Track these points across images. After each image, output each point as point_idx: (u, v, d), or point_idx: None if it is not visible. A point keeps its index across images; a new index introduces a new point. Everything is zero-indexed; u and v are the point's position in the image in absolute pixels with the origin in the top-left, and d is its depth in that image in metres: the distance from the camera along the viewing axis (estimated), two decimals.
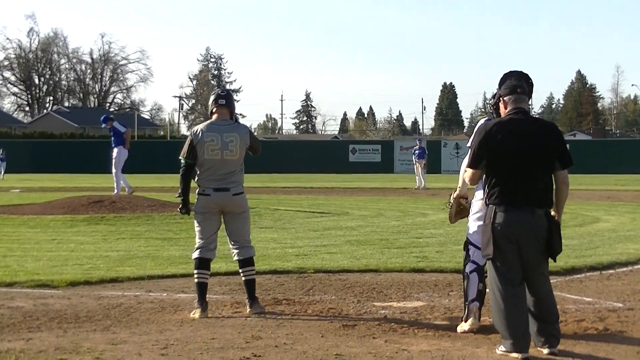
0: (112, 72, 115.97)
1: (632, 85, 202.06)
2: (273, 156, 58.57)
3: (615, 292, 9.13)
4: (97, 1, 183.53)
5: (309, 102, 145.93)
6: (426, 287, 9.52)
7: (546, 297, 6.17)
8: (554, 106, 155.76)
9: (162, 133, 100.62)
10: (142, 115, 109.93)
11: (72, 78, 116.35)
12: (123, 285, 9.63)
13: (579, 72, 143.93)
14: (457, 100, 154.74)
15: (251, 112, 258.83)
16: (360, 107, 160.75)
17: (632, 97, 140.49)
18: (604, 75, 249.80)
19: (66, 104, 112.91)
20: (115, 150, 21.01)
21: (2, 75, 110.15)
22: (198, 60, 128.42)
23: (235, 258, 8.07)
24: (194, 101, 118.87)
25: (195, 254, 7.99)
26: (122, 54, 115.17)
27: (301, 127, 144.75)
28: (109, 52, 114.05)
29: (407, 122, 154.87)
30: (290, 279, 10.04)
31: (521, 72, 6.68)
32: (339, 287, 9.45)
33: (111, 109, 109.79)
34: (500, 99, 6.43)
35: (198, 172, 7.95)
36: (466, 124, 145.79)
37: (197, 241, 8.02)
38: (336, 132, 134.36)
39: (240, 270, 8.05)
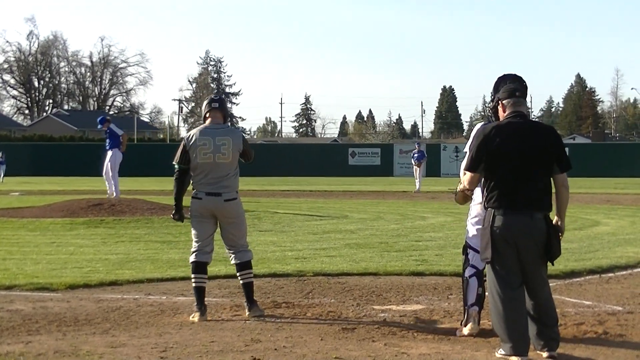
0: (112, 75, 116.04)
1: (632, 88, 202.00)
2: (272, 159, 58.60)
3: (615, 296, 9.13)
4: (96, 4, 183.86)
5: (308, 106, 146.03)
6: (425, 290, 9.51)
7: (545, 300, 6.17)
8: (553, 109, 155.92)
9: (161, 136, 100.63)
10: (142, 118, 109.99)
11: (71, 81, 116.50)
12: (122, 288, 9.63)
13: (578, 75, 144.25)
14: (457, 103, 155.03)
15: (251, 115, 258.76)
16: (359, 111, 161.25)
17: (631, 100, 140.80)
18: (604, 78, 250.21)
19: (66, 107, 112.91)
20: (110, 152, 20.89)
21: (2, 79, 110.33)
22: (198, 63, 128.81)
23: (232, 262, 8.09)
24: (193, 104, 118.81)
25: (192, 258, 8.01)
26: (121, 57, 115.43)
27: (301, 130, 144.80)
28: (108, 55, 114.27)
29: (407, 126, 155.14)
30: (290, 282, 10.04)
31: (515, 75, 6.77)
32: (339, 291, 9.45)
33: (111, 112, 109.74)
34: (499, 102, 6.44)
35: (192, 176, 7.98)
36: (466, 127, 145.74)
37: (193, 244, 8.04)
38: (336, 136, 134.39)
39: (237, 274, 8.07)
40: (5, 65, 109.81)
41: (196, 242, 8.00)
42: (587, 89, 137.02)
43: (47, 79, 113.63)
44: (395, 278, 10.37)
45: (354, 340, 6.87)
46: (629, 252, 12.80)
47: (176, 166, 7.99)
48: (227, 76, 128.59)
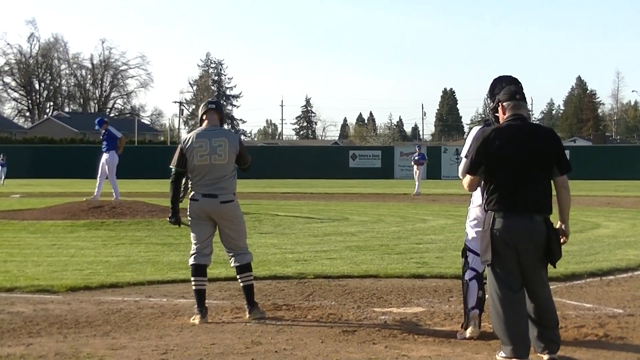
0: (113, 78, 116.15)
1: (633, 91, 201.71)
2: (273, 162, 58.68)
3: (616, 298, 9.13)
4: (97, 7, 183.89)
5: (309, 108, 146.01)
6: (426, 293, 9.52)
7: (545, 302, 6.17)
8: (554, 112, 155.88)
9: (162, 138, 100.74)
10: (143, 120, 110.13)
11: (72, 83, 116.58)
12: (123, 291, 9.64)
13: (579, 78, 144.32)
14: (458, 106, 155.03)
15: (251, 117, 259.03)
16: (360, 113, 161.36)
17: (632, 103, 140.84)
18: (604, 81, 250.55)
19: (66, 109, 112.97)
20: (107, 154, 20.75)
21: (3, 81, 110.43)
22: (198, 65, 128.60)
23: (232, 265, 8.11)
24: (194, 107, 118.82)
25: (191, 260, 8.02)
26: (122, 59, 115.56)
27: (301, 132, 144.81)
28: (109, 57, 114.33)
29: (408, 128, 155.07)
30: (290, 285, 10.04)
31: (511, 76, 6.84)
32: (339, 293, 9.45)
33: (111, 115, 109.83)
34: (500, 104, 6.45)
35: (190, 178, 7.99)
36: (466, 129, 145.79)
37: (192, 246, 8.06)
38: (336, 138, 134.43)
39: (237, 276, 8.08)
40: (6, 68, 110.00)
41: (195, 244, 8.02)
42: (587, 92, 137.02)
43: (47, 82, 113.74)
44: (396, 280, 10.38)
45: (354, 342, 6.87)
46: (630, 255, 12.80)
47: (173, 169, 8.01)
48: (228, 78, 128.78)
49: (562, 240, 6.18)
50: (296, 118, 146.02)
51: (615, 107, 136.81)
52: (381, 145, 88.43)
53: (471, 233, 7.17)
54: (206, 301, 7.95)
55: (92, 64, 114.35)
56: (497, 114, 6.56)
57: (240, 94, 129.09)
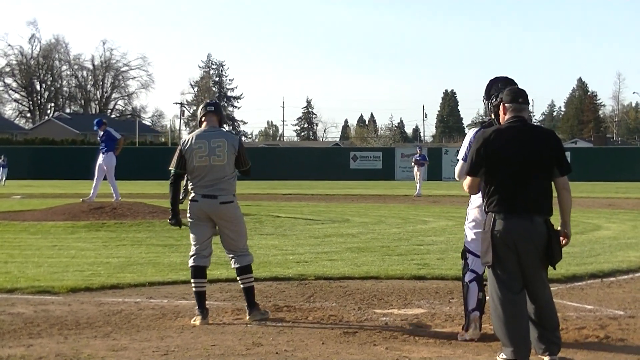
0: (114, 79, 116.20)
1: (634, 92, 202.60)
2: (274, 163, 58.68)
3: (617, 300, 9.13)
4: (98, 8, 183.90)
5: (310, 109, 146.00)
6: (427, 294, 9.52)
7: (546, 304, 6.17)
8: (555, 114, 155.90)
9: (163, 140, 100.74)
10: (143, 121, 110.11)
11: (73, 85, 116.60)
12: (124, 292, 9.64)
13: (580, 79, 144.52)
14: (459, 107, 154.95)
15: (252, 119, 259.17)
16: (361, 114, 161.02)
17: (633, 104, 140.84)
18: (605, 82, 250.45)
19: (67, 110, 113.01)
20: (105, 155, 20.68)
21: (4, 82, 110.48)
22: (199, 67, 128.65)
23: (233, 266, 8.11)
24: (195, 108, 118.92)
25: (190, 262, 8.03)
26: (123, 60, 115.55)
27: (302, 134, 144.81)
28: (110, 58, 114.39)
29: (408, 129, 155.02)
30: (291, 286, 10.04)
31: (506, 77, 6.98)
32: (340, 294, 9.45)
33: (112, 116, 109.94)
34: (502, 104, 6.45)
35: (190, 179, 7.99)
36: (467, 131, 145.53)
37: (192, 248, 8.07)
38: (337, 139, 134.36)
39: (238, 278, 8.08)
40: (7, 69, 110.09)
41: (194, 245, 8.02)
42: (588, 93, 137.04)
43: (49, 83, 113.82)
44: (397, 282, 10.38)
45: (355, 344, 6.87)
46: (631, 257, 12.79)
47: (172, 171, 8.02)
48: (229, 80, 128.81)
49: (563, 242, 6.18)
50: (297, 119, 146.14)
51: (616, 109, 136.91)
52: (382, 146, 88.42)
53: (470, 235, 7.18)
54: (207, 302, 7.95)
55: (93, 65, 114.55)
56: (498, 112, 6.57)
57: (241, 95, 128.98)
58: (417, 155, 36.02)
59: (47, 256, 12.77)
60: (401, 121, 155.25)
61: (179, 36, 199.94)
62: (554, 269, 6.31)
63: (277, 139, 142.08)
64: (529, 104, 6.36)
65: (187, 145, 7.95)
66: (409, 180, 50.98)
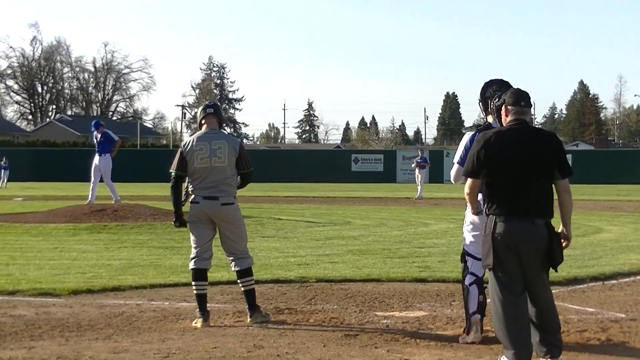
0: (115, 81, 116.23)
1: (635, 95, 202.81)
2: (275, 165, 58.66)
3: (618, 303, 9.12)
4: (100, 10, 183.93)
5: (311, 112, 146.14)
6: (428, 297, 9.51)
7: (547, 306, 6.17)
8: (556, 116, 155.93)
9: (164, 142, 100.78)
10: (145, 124, 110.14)
11: (74, 87, 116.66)
12: (125, 294, 9.64)
13: (581, 82, 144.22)
14: (460, 110, 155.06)
15: (254, 121, 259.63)
16: (362, 117, 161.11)
17: (634, 107, 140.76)
18: (607, 85, 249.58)
19: (69, 112, 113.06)
20: (102, 157, 20.59)
21: (5, 84, 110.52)
22: (201, 69, 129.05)
23: (233, 269, 8.11)
24: (196, 110, 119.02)
25: (191, 265, 8.03)
26: (125, 62, 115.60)
27: (304, 136, 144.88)
28: (111, 60, 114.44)
29: (410, 132, 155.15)
30: (292, 288, 10.04)
31: (501, 79, 7.08)
32: (341, 297, 9.45)
33: (114, 118, 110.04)
34: (504, 105, 6.44)
35: (191, 181, 8.00)
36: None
37: (192, 250, 8.06)
38: (338, 142, 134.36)
39: (238, 281, 8.09)
40: (9, 71, 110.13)
41: (195, 247, 8.02)
42: (590, 96, 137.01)
43: (50, 85, 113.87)
44: (398, 284, 10.37)
45: (356, 346, 6.87)
46: (632, 259, 12.79)
47: (173, 173, 8.02)
48: (230, 82, 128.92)
49: (564, 244, 6.18)
50: (298, 122, 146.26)
51: (617, 111, 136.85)
52: (383, 149, 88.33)
53: (469, 237, 7.18)
54: (208, 305, 7.95)
55: (95, 67, 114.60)
56: (500, 113, 6.58)
57: (242, 97, 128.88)
58: (419, 157, 36.01)
59: (48, 258, 12.77)
60: (402, 123, 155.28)
61: (180, 38, 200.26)
62: (556, 271, 6.31)
63: (279, 141, 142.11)
64: (531, 106, 6.37)
65: (188, 147, 7.97)
66: (410, 182, 50.96)
